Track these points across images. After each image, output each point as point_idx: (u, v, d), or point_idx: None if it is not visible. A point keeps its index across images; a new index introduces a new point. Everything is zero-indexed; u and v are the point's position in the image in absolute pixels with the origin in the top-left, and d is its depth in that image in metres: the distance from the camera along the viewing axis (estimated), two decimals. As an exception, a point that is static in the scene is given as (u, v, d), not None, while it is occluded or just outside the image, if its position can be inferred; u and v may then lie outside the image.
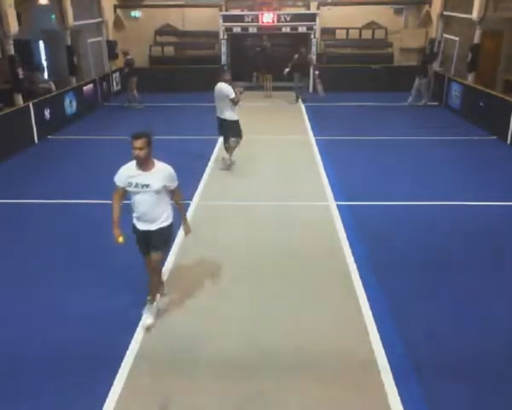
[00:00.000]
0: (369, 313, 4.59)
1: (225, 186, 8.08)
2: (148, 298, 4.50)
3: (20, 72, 10.35)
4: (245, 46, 18.04)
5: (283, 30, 16.44)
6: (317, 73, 15.14)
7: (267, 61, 16.87)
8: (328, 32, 17.00)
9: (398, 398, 3.59)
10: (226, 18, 16.40)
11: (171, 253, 5.67)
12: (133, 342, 4.21)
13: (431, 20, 15.80)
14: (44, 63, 15.06)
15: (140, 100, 14.26)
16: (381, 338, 4.23)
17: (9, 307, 4.79)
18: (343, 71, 16.18)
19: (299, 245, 5.98)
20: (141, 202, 4.21)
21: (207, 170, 8.79)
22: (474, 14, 12.21)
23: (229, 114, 8.42)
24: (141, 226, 4.34)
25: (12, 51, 10.16)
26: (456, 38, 14.36)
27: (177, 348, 4.17)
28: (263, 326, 4.45)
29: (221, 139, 9.43)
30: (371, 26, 17.04)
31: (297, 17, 16.30)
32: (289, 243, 6.03)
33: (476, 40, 12.56)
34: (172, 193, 4.40)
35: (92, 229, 6.46)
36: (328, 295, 4.95)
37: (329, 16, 16.59)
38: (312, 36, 16.34)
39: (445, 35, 15.18)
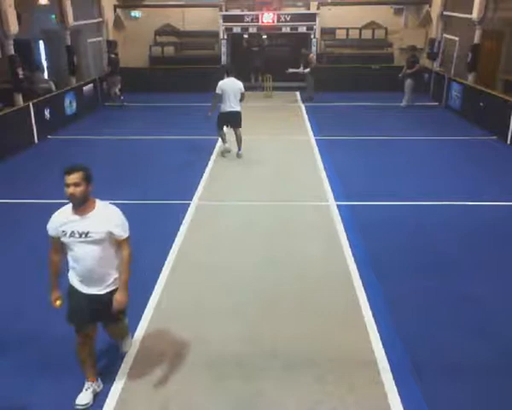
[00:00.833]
0: (369, 313, 4.59)
1: (225, 186, 8.08)
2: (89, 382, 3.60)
3: (20, 72, 10.35)
4: (244, 46, 18.03)
5: (283, 30, 16.45)
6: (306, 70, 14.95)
7: (267, 61, 16.88)
8: (328, 32, 17.02)
9: (398, 398, 3.59)
10: (226, 18, 16.42)
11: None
12: (133, 341, 4.20)
13: (431, 20, 15.81)
14: (44, 63, 15.07)
15: (122, 100, 14.44)
16: (381, 338, 4.23)
17: (8, 306, 4.79)
18: (343, 71, 16.20)
19: (299, 245, 5.98)
20: (80, 257, 3.31)
21: (207, 170, 8.79)
22: (474, 14, 12.22)
23: (238, 107, 9.27)
24: (85, 289, 3.40)
25: (12, 51, 10.16)
26: (456, 38, 14.36)
27: (177, 347, 4.17)
28: (263, 326, 4.45)
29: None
30: (371, 26, 17.06)
31: (297, 17, 16.33)
32: (289, 244, 6.03)
33: (476, 40, 12.56)
34: (119, 247, 3.39)
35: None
36: (328, 295, 4.94)
37: (329, 16, 16.60)
38: (312, 36, 16.35)
39: (445, 35, 15.18)
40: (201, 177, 8.37)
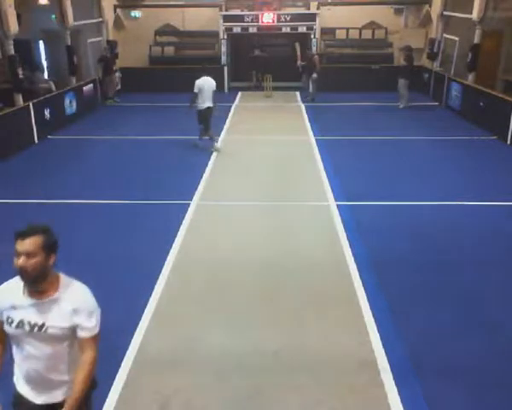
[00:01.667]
0: (369, 313, 4.59)
1: (225, 186, 8.08)
2: None
3: (20, 72, 10.35)
4: (245, 46, 18.02)
5: (283, 30, 16.45)
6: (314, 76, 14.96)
7: (267, 61, 16.88)
8: (328, 32, 17.02)
9: (398, 398, 3.59)
10: (226, 18, 16.41)
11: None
12: (133, 342, 4.21)
13: (431, 20, 15.81)
14: (44, 63, 15.08)
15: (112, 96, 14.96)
16: (381, 338, 4.23)
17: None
18: (343, 71, 16.20)
19: (299, 245, 5.98)
20: (30, 356, 2.35)
21: (207, 170, 8.78)
22: (474, 14, 12.21)
23: (212, 103, 9.84)
24: (37, 397, 2.43)
25: (12, 51, 10.16)
26: (456, 38, 14.36)
27: (177, 347, 4.17)
28: (263, 326, 4.45)
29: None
30: (371, 26, 17.05)
31: (297, 17, 16.32)
32: (289, 244, 6.03)
33: (476, 40, 12.56)
34: (81, 346, 2.41)
35: (92, 229, 6.47)
36: (329, 295, 4.94)
37: (329, 16, 16.60)
38: (312, 36, 16.35)
39: (445, 35, 15.18)
40: (201, 177, 8.37)
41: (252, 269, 5.45)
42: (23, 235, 2.27)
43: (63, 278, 2.42)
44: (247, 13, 16.39)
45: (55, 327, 2.30)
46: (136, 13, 17.20)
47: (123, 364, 3.95)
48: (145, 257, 5.67)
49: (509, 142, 10.24)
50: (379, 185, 7.98)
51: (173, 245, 5.92)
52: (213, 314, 4.64)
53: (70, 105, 12.66)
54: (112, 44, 15.72)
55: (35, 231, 2.28)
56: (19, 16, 10.17)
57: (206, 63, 10.80)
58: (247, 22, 16.29)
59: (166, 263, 5.50)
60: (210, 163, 9.17)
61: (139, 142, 10.74)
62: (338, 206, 7.11)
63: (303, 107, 14.44)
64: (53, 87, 12.97)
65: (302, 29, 16.36)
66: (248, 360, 4.01)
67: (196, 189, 7.81)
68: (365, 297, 4.84)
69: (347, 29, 16.95)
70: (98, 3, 15.22)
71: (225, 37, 16.50)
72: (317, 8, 16.32)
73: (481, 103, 11.64)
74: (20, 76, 10.39)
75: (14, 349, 2.41)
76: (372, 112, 13.74)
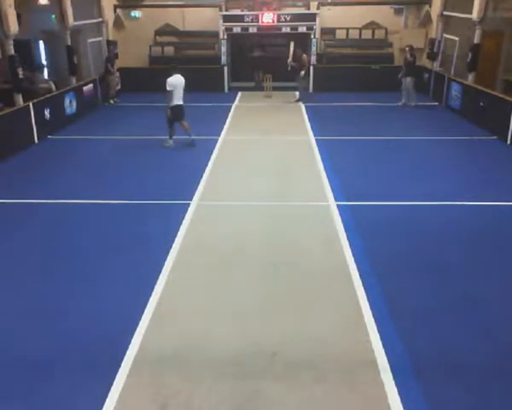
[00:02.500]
0: (369, 313, 4.59)
1: (225, 186, 8.08)
2: None
3: (20, 72, 10.34)
4: (245, 46, 18.03)
5: (283, 30, 16.45)
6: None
7: (267, 61, 16.89)
8: (328, 32, 17.01)
9: (398, 398, 3.59)
10: (226, 18, 16.40)
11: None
12: (133, 341, 4.21)
13: (431, 20, 15.81)
14: (44, 63, 15.08)
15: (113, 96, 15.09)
16: (381, 338, 4.23)
17: (6, 305, 4.79)
18: (343, 71, 16.20)
19: (299, 245, 5.98)
20: None
21: (207, 170, 8.78)
22: (474, 14, 12.21)
23: (182, 101, 10.14)
24: None
25: (12, 51, 10.15)
26: (456, 38, 14.36)
27: (177, 347, 4.17)
28: (263, 326, 4.45)
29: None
30: (371, 26, 17.05)
31: (297, 17, 16.31)
32: (289, 244, 6.03)
33: (476, 40, 12.55)
34: None
35: (92, 229, 6.47)
36: (328, 295, 4.94)
37: (329, 16, 16.61)
38: (312, 36, 16.35)
39: (445, 35, 15.18)
40: (201, 177, 8.37)
41: (252, 269, 5.45)
42: None
43: None
44: (247, 13, 16.38)
45: None
46: (136, 13, 17.20)
47: (123, 364, 3.95)
48: (145, 257, 5.68)
49: (509, 142, 10.24)
50: (379, 185, 7.98)
51: (173, 245, 5.92)
52: (213, 314, 4.63)
53: (70, 105, 12.66)
54: (112, 44, 15.74)
55: None
56: (19, 16, 10.16)
57: (175, 64, 11.07)
58: (247, 22, 16.28)
59: (166, 263, 5.50)
60: (210, 163, 9.16)
61: (139, 142, 10.74)
62: (338, 206, 7.11)
63: (303, 107, 14.44)
64: (53, 87, 12.97)
65: (302, 29, 16.35)
66: (248, 360, 4.01)
67: (196, 189, 7.81)
68: (365, 297, 4.83)
69: (347, 29, 16.94)
70: (98, 3, 15.22)
71: (225, 37, 16.50)
72: (317, 8, 16.32)
73: (481, 103, 11.64)
74: (20, 76, 10.38)
75: None
76: (372, 112, 13.74)
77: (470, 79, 12.91)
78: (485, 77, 12.95)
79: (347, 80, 16.02)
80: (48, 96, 11.89)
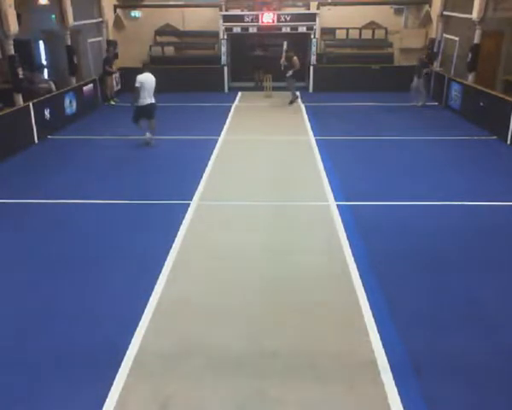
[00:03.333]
0: (369, 313, 4.59)
1: (225, 186, 8.08)
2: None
3: (20, 72, 10.35)
4: (245, 46, 18.03)
5: (283, 30, 16.45)
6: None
7: (267, 61, 16.89)
8: (328, 32, 17.01)
9: (398, 398, 3.59)
10: (226, 18, 16.40)
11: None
12: (133, 341, 4.21)
13: (431, 20, 15.81)
14: (44, 63, 15.07)
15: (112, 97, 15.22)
16: (381, 338, 4.23)
17: (6, 305, 4.79)
18: (343, 71, 16.20)
19: (299, 245, 5.98)
20: None
21: (207, 170, 8.78)
22: (474, 14, 12.22)
23: (154, 99, 10.17)
24: None
25: (12, 51, 10.16)
26: (456, 38, 14.36)
27: (177, 347, 4.17)
28: (263, 326, 4.45)
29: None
30: (371, 26, 17.05)
31: (297, 17, 16.31)
32: (289, 243, 6.03)
33: (476, 40, 12.56)
34: None
35: (92, 229, 6.47)
36: (328, 295, 4.94)
37: (329, 16, 16.60)
38: (312, 36, 16.35)
39: (445, 35, 15.19)
40: (201, 177, 8.37)
41: (252, 269, 5.45)
42: None
43: None
44: (247, 13, 16.38)
45: None
46: (136, 13, 17.19)
47: (123, 364, 3.95)
48: (145, 257, 5.68)
49: (509, 142, 10.24)
50: (379, 185, 7.98)
51: (173, 245, 5.92)
52: (213, 314, 4.63)
53: (70, 105, 12.66)
54: (112, 44, 15.74)
55: None
56: (19, 16, 10.17)
57: (147, 63, 11.21)
58: (247, 22, 16.28)
59: (166, 263, 5.50)
60: (210, 163, 9.16)
61: (139, 142, 10.73)
62: (338, 206, 7.11)
63: (303, 107, 14.44)
64: (53, 87, 12.97)
65: (302, 29, 16.36)
66: (248, 360, 4.01)
67: (196, 189, 7.81)
68: (365, 297, 4.84)
69: (347, 29, 16.94)
70: (98, 3, 15.22)
71: (225, 37, 16.49)
72: (317, 8, 16.32)
73: (481, 103, 11.65)
74: (20, 76, 10.39)
75: None
76: (372, 112, 13.73)
77: (470, 79, 12.91)
78: (485, 77, 12.96)
79: (347, 80, 16.03)
80: (48, 96, 11.89)
